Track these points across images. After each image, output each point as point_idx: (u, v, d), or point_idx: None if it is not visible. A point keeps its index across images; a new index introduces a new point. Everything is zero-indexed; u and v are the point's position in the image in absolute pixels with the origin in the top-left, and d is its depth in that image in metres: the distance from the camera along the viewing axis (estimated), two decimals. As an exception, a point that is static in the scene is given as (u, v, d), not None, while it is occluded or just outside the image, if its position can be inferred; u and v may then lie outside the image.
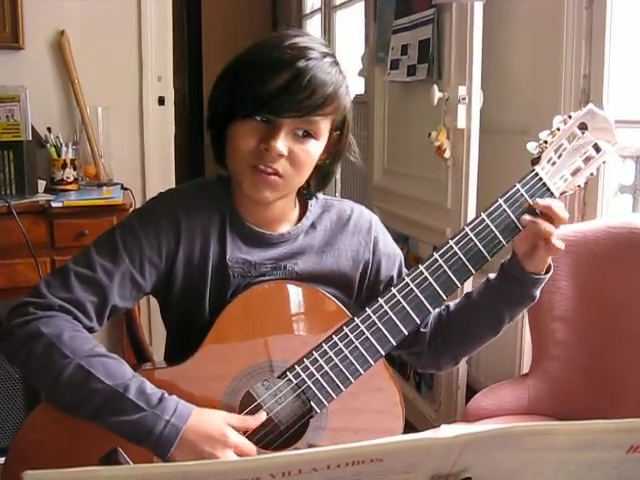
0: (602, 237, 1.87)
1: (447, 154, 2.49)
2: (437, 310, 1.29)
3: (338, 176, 3.99)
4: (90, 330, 1.09)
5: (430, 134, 2.51)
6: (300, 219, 1.23)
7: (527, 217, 1.11)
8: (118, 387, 1.00)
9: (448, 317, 1.28)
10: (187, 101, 5.53)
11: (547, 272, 1.17)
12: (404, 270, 1.29)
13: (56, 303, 1.06)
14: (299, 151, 1.10)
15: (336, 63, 1.12)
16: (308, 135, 1.10)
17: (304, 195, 1.24)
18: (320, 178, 1.21)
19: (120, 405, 0.99)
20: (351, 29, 4.17)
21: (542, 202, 1.10)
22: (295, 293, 1.17)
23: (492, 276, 1.22)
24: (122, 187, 2.78)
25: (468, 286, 1.44)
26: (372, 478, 0.57)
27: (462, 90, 2.36)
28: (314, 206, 1.25)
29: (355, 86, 3.88)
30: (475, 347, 1.27)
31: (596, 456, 0.57)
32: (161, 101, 3.03)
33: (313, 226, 1.23)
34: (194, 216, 1.16)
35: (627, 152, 2.16)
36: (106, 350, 1.06)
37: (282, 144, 1.07)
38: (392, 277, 1.29)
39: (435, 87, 2.45)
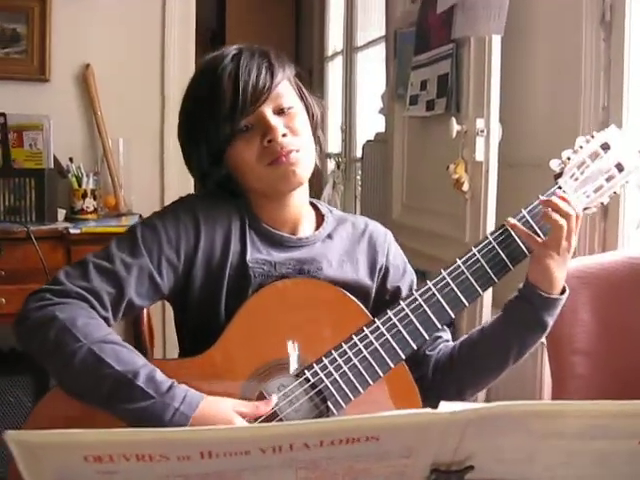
0: (622, 268, 1.84)
1: (465, 187, 2.48)
2: (453, 343, 1.29)
3: (358, 212, 3.99)
4: (105, 321, 1.09)
5: (448, 167, 2.50)
6: (317, 228, 1.26)
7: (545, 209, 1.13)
8: (128, 373, 0.99)
9: (461, 346, 1.27)
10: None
11: (560, 295, 1.16)
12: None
13: (73, 290, 1.06)
14: (291, 122, 1.16)
15: (252, 48, 1.19)
16: (285, 108, 1.16)
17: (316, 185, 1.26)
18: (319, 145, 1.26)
19: (129, 392, 0.98)
20: (372, 69, 4.22)
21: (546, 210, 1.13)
22: (316, 290, 1.17)
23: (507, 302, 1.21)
24: (140, 217, 2.79)
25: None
26: (368, 462, 0.55)
27: (480, 123, 2.36)
28: (330, 218, 1.27)
29: (376, 125, 3.91)
30: (481, 380, 1.25)
31: (607, 447, 0.54)
32: (182, 134, 3.06)
33: (330, 236, 1.25)
34: (214, 217, 1.17)
35: (648, 184, 2.13)
36: (120, 339, 1.05)
37: (277, 125, 1.13)
38: (399, 288, 1.28)
39: (453, 120, 2.45)
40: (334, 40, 4.94)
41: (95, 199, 2.79)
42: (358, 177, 4.42)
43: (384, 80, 3.73)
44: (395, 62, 3.30)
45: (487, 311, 2.26)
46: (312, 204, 1.28)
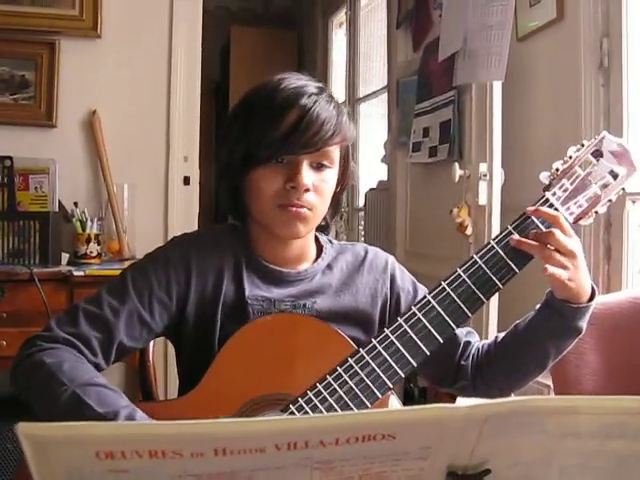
0: (627, 309, 1.83)
1: (469, 231, 2.50)
2: (485, 342, 1.26)
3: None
4: (96, 367, 1.09)
5: (452, 211, 2.52)
6: (316, 260, 1.25)
7: (514, 237, 1.09)
8: (108, 414, 0.98)
9: (495, 349, 1.23)
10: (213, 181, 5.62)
11: (589, 301, 1.11)
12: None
13: (61, 336, 1.07)
14: (320, 182, 1.15)
15: (332, 96, 1.18)
16: (324, 166, 1.15)
17: (322, 228, 1.25)
18: (334, 207, 1.25)
19: None
20: (374, 119, 4.28)
21: (515, 238, 1.09)
22: (297, 324, 1.15)
23: (537, 307, 1.18)
24: (143, 262, 2.79)
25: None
26: (384, 465, 0.54)
27: (483, 167, 2.39)
28: (329, 249, 1.27)
29: (379, 173, 3.94)
30: (522, 382, 1.21)
31: (625, 448, 0.53)
32: (186, 181, 3.09)
33: (329, 267, 1.24)
34: (206, 257, 1.17)
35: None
36: (107, 382, 1.05)
37: (307, 179, 1.12)
38: None
39: (456, 165, 2.48)
40: (336, 92, 5.02)
41: (99, 244, 2.79)
42: (360, 227, 4.44)
43: (386, 129, 3.78)
44: (397, 110, 3.35)
45: (493, 319, 2.25)
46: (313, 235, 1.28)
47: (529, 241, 1.08)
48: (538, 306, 1.18)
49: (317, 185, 1.14)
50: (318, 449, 0.50)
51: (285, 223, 1.14)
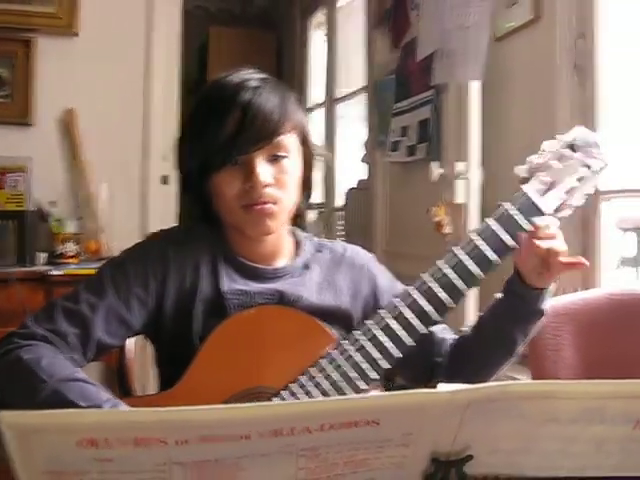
0: (605, 305, 1.85)
1: (446, 230, 2.51)
2: (454, 337, 1.26)
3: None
4: (74, 362, 1.07)
5: (429, 210, 2.53)
6: (294, 257, 1.23)
7: (523, 235, 1.09)
8: (92, 408, 0.96)
9: (463, 343, 1.24)
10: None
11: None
12: None
13: (38, 333, 1.06)
14: (280, 174, 1.13)
15: (276, 84, 1.16)
16: (280, 157, 1.14)
17: (299, 219, 1.25)
18: (305, 191, 1.23)
19: None
20: (354, 119, 4.29)
21: (536, 222, 1.09)
22: (280, 317, 1.14)
23: (498, 296, 1.19)
24: (120, 260, 2.77)
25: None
26: (368, 452, 0.54)
27: (461, 166, 2.40)
28: (308, 245, 1.25)
29: (358, 173, 3.95)
30: (495, 370, 1.22)
31: (604, 432, 0.54)
32: (164, 180, 3.08)
33: (307, 265, 1.23)
34: (183, 253, 1.16)
35: (628, 224, 2.17)
36: (87, 376, 1.03)
37: (263, 175, 1.11)
38: None
39: (434, 164, 2.49)
40: (315, 92, 5.03)
41: (76, 243, 2.77)
42: (340, 227, 4.45)
43: (365, 128, 3.80)
44: (376, 110, 3.36)
45: (472, 310, 2.27)
46: (290, 231, 1.26)
47: (540, 243, 1.08)
48: (499, 295, 1.19)
49: (277, 178, 1.12)
50: (303, 435, 0.50)
51: (252, 222, 1.13)
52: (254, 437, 0.50)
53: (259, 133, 1.10)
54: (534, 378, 1.76)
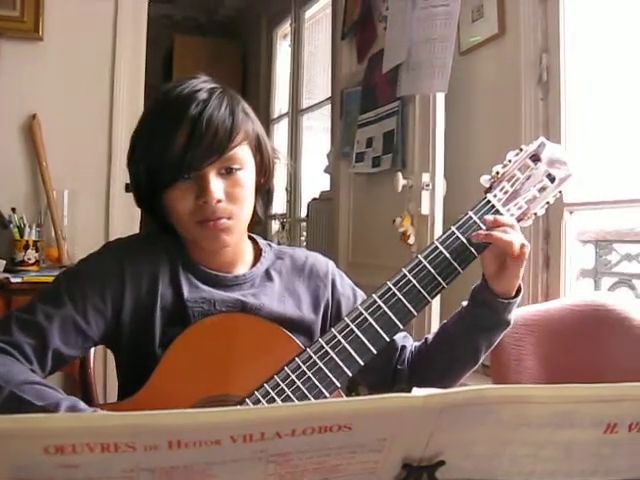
0: (566, 315, 1.88)
1: (411, 240, 2.52)
2: (415, 344, 1.27)
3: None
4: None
5: (395, 220, 2.54)
6: (255, 264, 1.23)
7: (481, 232, 1.10)
8: (49, 406, 0.96)
9: (427, 350, 1.25)
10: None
11: (517, 295, 1.15)
12: None
13: None
14: (233, 187, 1.10)
15: (224, 92, 1.13)
16: (233, 169, 1.11)
17: (256, 225, 1.23)
18: (263, 199, 1.22)
19: None
20: (318, 130, 4.30)
21: (489, 217, 1.10)
22: (244, 324, 1.13)
23: (465, 304, 1.20)
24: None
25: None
26: (339, 457, 0.54)
27: (426, 177, 2.42)
28: (268, 252, 1.25)
29: (321, 184, 3.96)
30: (458, 377, 1.23)
31: (574, 437, 0.55)
32: (128, 188, 3.04)
33: (268, 272, 1.22)
34: (139, 262, 1.14)
35: (587, 237, 2.21)
36: (43, 380, 1.03)
37: (216, 191, 1.08)
38: None
39: (399, 174, 2.51)
40: (280, 102, 5.04)
41: (37, 251, 2.73)
42: (302, 237, 4.45)
43: (329, 140, 3.81)
44: (341, 121, 3.37)
45: (435, 318, 2.28)
46: (250, 238, 1.26)
47: (492, 232, 1.08)
48: (465, 303, 1.20)
49: (230, 192, 1.10)
50: (274, 441, 0.50)
51: (208, 238, 1.12)
52: (225, 442, 0.49)
53: (209, 148, 1.07)
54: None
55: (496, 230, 1.09)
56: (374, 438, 0.53)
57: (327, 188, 3.84)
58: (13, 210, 2.73)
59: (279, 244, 1.35)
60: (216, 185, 1.08)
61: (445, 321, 1.25)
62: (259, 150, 1.17)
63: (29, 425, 0.46)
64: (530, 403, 0.51)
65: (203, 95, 1.10)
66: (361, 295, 1.29)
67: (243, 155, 1.12)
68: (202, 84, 1.12)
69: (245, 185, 1.12)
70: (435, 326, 2.25)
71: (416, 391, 0.50)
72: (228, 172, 1.10)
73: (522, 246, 1.08)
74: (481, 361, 1.22)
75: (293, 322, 1.19)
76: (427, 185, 2.42)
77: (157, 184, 1.10)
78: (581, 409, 0.52)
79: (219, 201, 1.08)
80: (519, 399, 0.51)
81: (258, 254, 1.24)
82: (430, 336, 1.27)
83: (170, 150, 1.06)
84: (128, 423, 0.46)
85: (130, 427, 0.46)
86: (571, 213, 2.16)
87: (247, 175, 1.13)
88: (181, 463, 0.50)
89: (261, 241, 1.27)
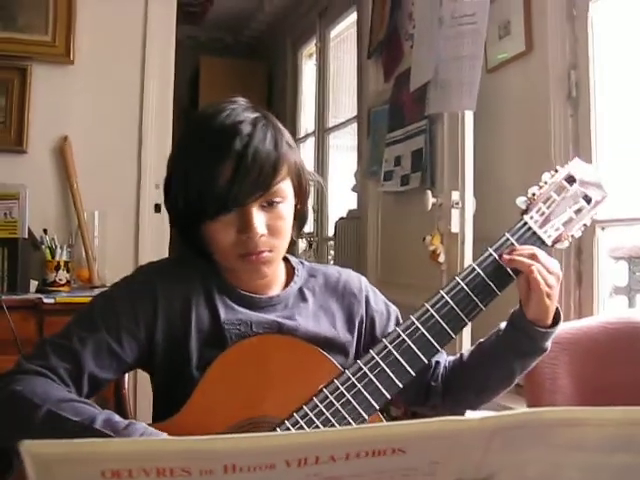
0: (600, 333, 1.85)
1: (441, 259, 2.51)
2: (449, 360, 1.27)
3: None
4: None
5: (425, 239, 2.53)
6: (288, 283, 1.23)
7: (506, 256, 1.10)
8: (85, 421, 0.98)
9: (461, 368, 1.25)
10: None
11: (555, 325, 1.15)
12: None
13: (31, 369, 1.05)
14: (275, 220, 1.11)
15: (268, 122, 1.13)
16: (275, 202, 1.11)
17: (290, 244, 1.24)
18: (297, 222, 1.20)
19: (89, 437, 0.95)
20: (344, 149, 4.31)
21: (507, 256, 1.11)
22: (283, 346, 1.13)
23: (503, 326, 1.19)
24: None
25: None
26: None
27: (455, 195, 2.41)
28: (301, 271, 1.25)
29: (348, 202, 3.96)
30: (489, 398, 1.23)
31: (628, 461, 0.54)
32: (157, 208, 3.07)
33: (301, 291, 1.22)
34: (172, 285, 1.15)
35: (620, 253, 2.18)
36: (78, 397, 1.05)
37: (259, 226, 1.08)
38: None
39: (429, 193, 2.50)
40: (306, 121, 5.06)
41: (68, 271, 2.76)
42: (330, 257, 4.45)
43: (355, 158, 3.82)
44: (368, 140, 3.38)
45: (467, 338, 2.26)
46: (283, 257, 1.24)
47: (521, 258, 1.10)
48: (503, 326, 1.19)
49: (272, 225, 1.10)
50: (328, 464, 0.50)
51: (249, 271, 1.13)
52: (279, 466, 0.49)
53: (255, 184, 1.06)
54: (530, 407, 1.76)
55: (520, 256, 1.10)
56: (427, 461, 0.52)
57: (354, 207, 3.84)
58: (45, 231, 2.77)
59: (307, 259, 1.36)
60: (259, 220, 1.09)
61: (482, 340, 1.24)
62: (299, 179, 1.17)
63: (88, 449, 0.46)
64: (587, 425, 0.51)
65: (247, 128, 1.08)
66: (395, 310, 1.29)
67: (286, 188, 1.12)
68: (244, 113, 1.11)
69: (286, 218, 1.13)
70: (466, 341, 2.23)
71: (470, 414, 0.50)
72: (270, 204, 1.10)
73: (540, 274, 1.08)
74: (515, 382, 1.21)
75: (328, 341, 1.19)
76: (457, 203, 2.41)
77: (198, 214, 1.09)
78: (637, 432, 0.52)
79: (262, 236, 1.09)
80: (576, 422, 0.50)
81: (291, 273, 1.24)
82: (466, 353, 1.27)
83: (214, 184, 1.06)
84: (184, 448, 0.46)
85: (186, 452, 0.47)
86: (603, 229, 2.13)
87: (287, 207, 1.13)
88: (234, 487, 0.50)
89: (293, 259, 1.27)
